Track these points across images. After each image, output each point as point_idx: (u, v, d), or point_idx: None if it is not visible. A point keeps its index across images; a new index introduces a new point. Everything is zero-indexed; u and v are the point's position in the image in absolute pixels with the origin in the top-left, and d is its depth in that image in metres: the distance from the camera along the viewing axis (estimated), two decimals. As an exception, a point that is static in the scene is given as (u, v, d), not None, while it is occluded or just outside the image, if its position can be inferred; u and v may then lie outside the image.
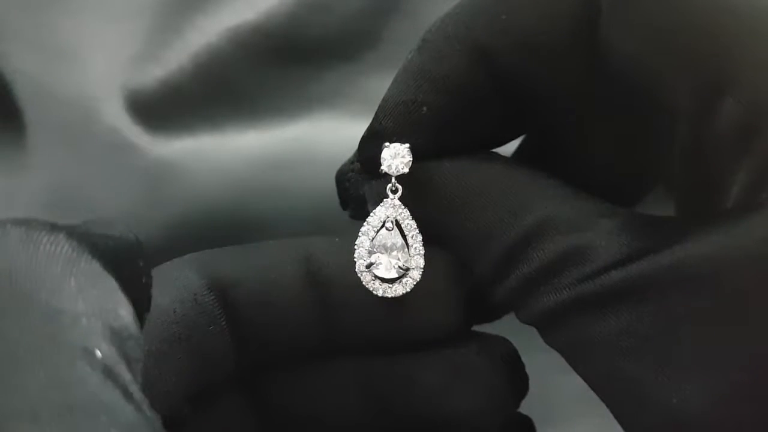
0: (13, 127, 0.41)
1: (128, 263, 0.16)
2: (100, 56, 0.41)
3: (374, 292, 0.21)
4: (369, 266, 0.21)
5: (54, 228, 0.15)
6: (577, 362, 0.20)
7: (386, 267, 0.21)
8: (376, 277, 0.21)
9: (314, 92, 0.41)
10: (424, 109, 0.20)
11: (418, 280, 0.21)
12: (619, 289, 0.19)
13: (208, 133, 0.41)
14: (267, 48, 0.41)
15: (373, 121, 0.21)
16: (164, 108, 0.41)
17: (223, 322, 0.20)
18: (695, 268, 0.18)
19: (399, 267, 0.21)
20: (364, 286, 0.21)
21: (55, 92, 0.41)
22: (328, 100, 0.40)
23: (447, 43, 0.21)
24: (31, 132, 0.41)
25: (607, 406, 0.20)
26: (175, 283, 0.20)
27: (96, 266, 0.15)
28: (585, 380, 0.20)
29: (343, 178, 0.22)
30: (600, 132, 0.22)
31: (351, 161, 0.22)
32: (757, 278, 0.17)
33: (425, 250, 0.21)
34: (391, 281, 0.21)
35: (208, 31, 0.41)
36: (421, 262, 0.21)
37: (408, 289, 0.21)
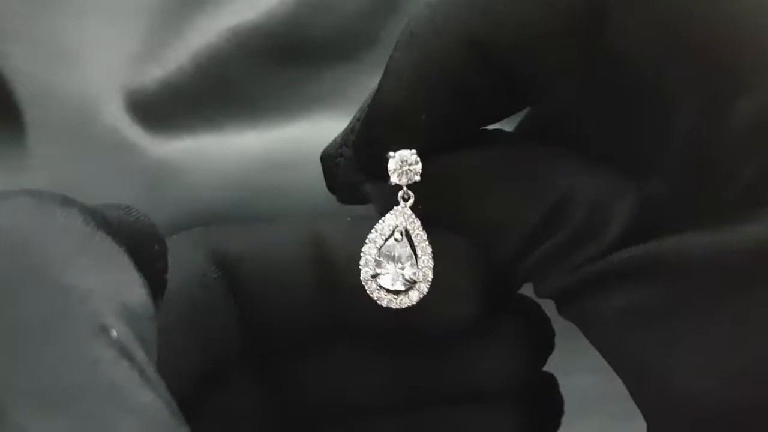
0: (13, 127, 0.41)
1: (144, 246, 0.16)
2: (100, 56, 0.41)
3: (378, 302, 0.20)
4: (375, 276, 0.20)
5: (67, 201, 0.15)
6: (589, 335, 0.20)
7: (392, 278, 0.20)
8: (381, 287, 0.20)
9: (314, 92, 0.41)
10: (423, 116, 0.19)
11: (425, 293, 0.20)
12: (626, 268, 0.18)
13: (208, 133, 0.41)
14: (267, 48, 0.41)
15: (365, 127, 0.20)
16: (164, 108, 0.41)
17: (232, 300, 0.20)
18: (704, 254, 0.18)
19: (405, 280, 0.20)
20: None
21: (55, 92, 0.41)
22: (328, 100, 0.40)
23: (440, 39, 0.19)
24: (31, 132, 0.41)
25: (619, 376, 0.20)
26: (181, 261, 0.19)
27: (110, 243, 0.15)
28: (597, 350, 0.20)
29: (330, 161, 0.21)
30: (597, 120, 0.22)
31: (338, 145, 0.21)
32: (763, 272, 0.17)
33: (438, 240, 0.20)
34: (397, 293, 0.20)
35: (208, 31, 0.41)
36: (430, 275, 0.20)
37: (414, 302, 0.20)
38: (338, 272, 0.20)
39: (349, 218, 0.21)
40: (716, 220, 0.18)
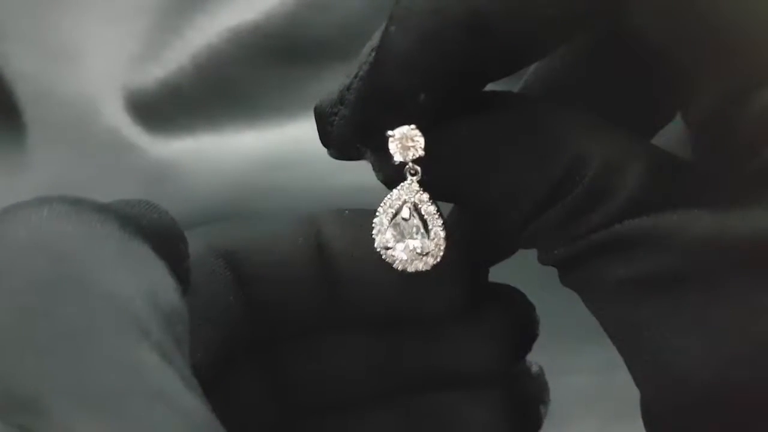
0: (13, 127, 0.41)
1: (172, 246, 0.16)
2: (100, 56, 0.41)
3: (394, 265, 0.20)
4: (387, 248, 0.20)
5: (102, 208, 0.15)
6: (588, 302, 0.20)
7: (404, 250, 0.20)
8: (395, 256, 0.20)
9: (314, 92, 0.40)
10: (422, 96, 0.19)
11: (438, 259, 0.20)
12: (630, 239, 0.18)
13: (208, 133, 0.42)
14: (267, 48, 0.41)
15: (358, 107, 0.20)
16: (164, 108, 0.41)
17: (237, 295, 0.20)
18: (707, 233, 0.18)
19: (417, 252, 0.20)
20: (374, 260, 0.20)
21: (55, 92, 0.41)
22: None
23: (437, 19, 0.18)
24: (31, 132, 0.41)
25: (616, 347, 0.20)
26: (191, 257, 0.19)
27: (146, 249, 0.15)
28: (596, 318, 0.20)
29: (325, 118, 0.21)
30: (608, 83, 0.21)
31: (333, 103, 0.20)
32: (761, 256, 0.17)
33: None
34: (411, 260, 0.20)
35: (208, 31, 0.41)
36: (443, 244, 0.20)
37: (428, 268, 0.20)
38: (338, 264, 0.21)
39: (347, 211, 0.21)
40: (728, 196, 0.18)
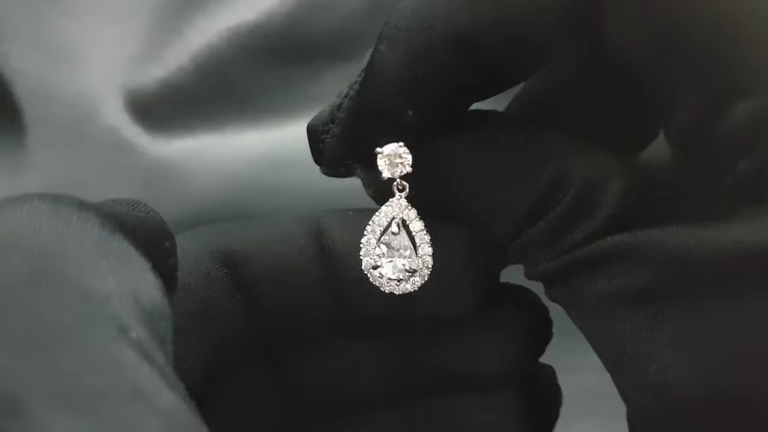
0: (13, 127, 0.41)
1: (156, 244, 0.16)
2: (100, 56, 0.42)
3: (381, 288, 0.21)
4: (375, 267, 0.21)
5: (83, 205, 0.15)
6: (573, 316, 0.20)
7: (393, 269, 0.21)
8: (383, 275, 0.20)
9: (314, 92, 0.41)
10: (410, 113, 0.19)
11: (426, 279, 0.21)
12: (612, 255, 0.19)
13: (208, 133, 0.42)
14: (267, 48, 0.41)
15: (348, 124, 0.20)
16: (164, 108, 0.41)
17: (238, 297, 0.20)
18: (683, 249, 0.18)
19: (405, 270, 0.21)
20: None
21: (55, 92, 0.41)
22: (328, 100, 0.40)
23: (425, 37, 0.18)
24: (31, 132, 0.41)
25: (600, 358, 0.20)
26: (187, 258, 0.19)
27: (127, 246, 0.15)
28: (581, 331, 0.20)
29: (317, 136, 0.21)
30: (591, 102, 0.21)
31: (325, 121, 0.21)
32: (747, 272, 0.18)
33: (435, 230, 0.20)
34: (399, 281, 0.20)
35: (208, 31, 0.41)
36: (430, 262, 0.21)
37: (416, 288, 0.21)
38: (341, 264, 0.20)
39: (350, 211, 0.21)
40: (702, 214, 0.18)
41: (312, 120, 0.21)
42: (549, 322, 0.22)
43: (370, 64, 0.19)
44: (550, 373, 0.23)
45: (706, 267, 0.18)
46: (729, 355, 0.18)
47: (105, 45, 0.42)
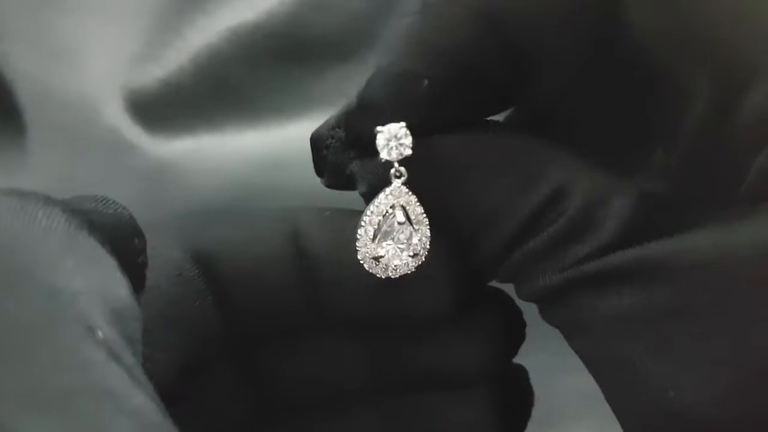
0: (13, 127, 0.41)
1: (124, 241, 0.16)
2: (100, 56, 0.41)
3: (376, 275, 0.20)
4: (377, 258, 0.20)
5: (49, 201, 0.14)
6: (574, 338, 0.20)
7: (393, 255, 0.20)
8: (379, 262, 0.20)
9: (314, 92, 0.41)
10: (425, 82, 0.19)
11: (423, 260, 0.20)
12: (623, 270, 0.18)
13: (208, 133, 0.41)
14: (267, 48, 0.41)
15: (363, 92, 0.20)
16: (164, 108, 0.41)
17: (210, 297, 0.20)
18: (699, 260, 0.17)
19: (408, 255, 0.20)
20: (354, 263, 0.20)
21: (55, 92, 0.41)
22: (328, 100, 0.40)
23: (453, 9, 0.19)
24: (31, 132, 0.41)
25: (599, 385, 0.19)
26: (158, 257, 0.18)
27: (94, 243, 0.14)
28: (580, 356, 0.20)
29: (320, 143, 0.21)
30: (602, 103, 0.21)
31: (330, 126, 0.21)
32: (763, 278, 0.17)
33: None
34: (396, 267, 0.20)
35: (208, 31, 0.41)
36: (428, 244, 0.20)
37: (412, 269, 0.20)
38: (317, 266, 0.20)
39: (327, 211, 0.21)
40: (718, 220, 0.18)
41: (317, 129, 0.21)
42: (523, 324, 0.22)
43: (388, 39, 0.20)
44: (523, 375, 0.23)
45: (725, 278, 0.17)
46: (746, 373, 0.17)
47: (105, 45, 0.41)
